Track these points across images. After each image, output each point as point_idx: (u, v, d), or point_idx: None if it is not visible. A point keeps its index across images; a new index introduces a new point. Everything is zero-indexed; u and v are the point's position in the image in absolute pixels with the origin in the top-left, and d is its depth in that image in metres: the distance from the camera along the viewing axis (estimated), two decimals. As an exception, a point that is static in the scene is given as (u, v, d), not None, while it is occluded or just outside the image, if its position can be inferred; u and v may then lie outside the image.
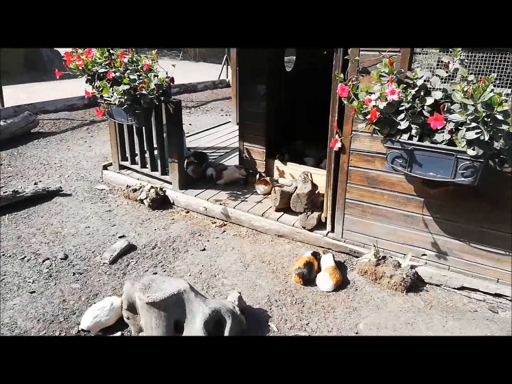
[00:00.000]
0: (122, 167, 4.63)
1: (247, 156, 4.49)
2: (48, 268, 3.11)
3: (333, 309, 2.76)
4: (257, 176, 4.26)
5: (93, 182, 4.70)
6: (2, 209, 3.86)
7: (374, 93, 2.46)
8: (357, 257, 3.25)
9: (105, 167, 4.74)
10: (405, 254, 3.01)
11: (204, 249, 3.44)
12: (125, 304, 2.35)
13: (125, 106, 3.53)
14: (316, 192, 3.62)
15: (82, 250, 3.36)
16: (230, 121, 6.75)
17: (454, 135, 2.35)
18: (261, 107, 4.15)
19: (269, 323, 2.60)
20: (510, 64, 2.32)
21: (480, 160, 2.22)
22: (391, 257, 3.04)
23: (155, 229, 3.73)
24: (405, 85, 2.40)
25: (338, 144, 2.60)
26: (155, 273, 3.08)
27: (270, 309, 2.73)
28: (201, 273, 3.11)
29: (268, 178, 4.25)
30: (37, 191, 4.14)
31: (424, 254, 3.01)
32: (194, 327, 2.23)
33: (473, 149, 2.18)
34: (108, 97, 3.53)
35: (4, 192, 3.98)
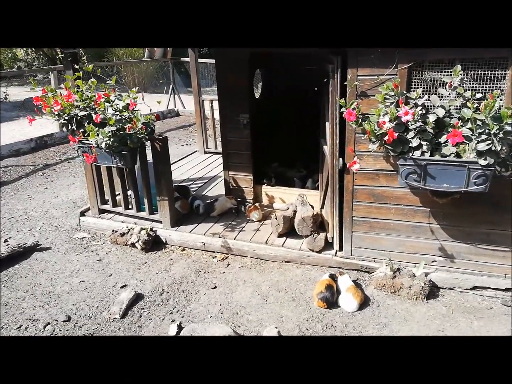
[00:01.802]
0: (101, 211, 4.36)
1: (234, 185, 4.45)
2: (52, 334, 2.82)
3: (365, 328, 2.78)
4: (248, 204, 4.23)
5: (70, 231, 4.36)
6: (-23, 276, 3.46)
7: (380, 115, 2.58)
8: (369, 272, 3.32)
9: (82, 213, 4.43)
10: (416, 264, 3.14)
11: (215, 287, 3.32)
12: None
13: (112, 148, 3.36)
14: (316, 213, 3.66)
15: (85, 308, 3.09)
16: (196, 151, 6.66)
17: (457, 147, 2.53)
18: (244, 135, 4.16)
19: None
20: (501, 77, 2.56)
21: (491, 168, 2.40)
22: (405, 268, 3.15)
23: (157, 273, 3.54)
24: (411, 106, 2.54)
25: (357, 166, 2.67)
26: (173, 321, 2.91)
27: (306, 339, 2.69)
28: (222, 313, 2.99)
29: (258, 204, 4.25)
30: (13, 249, 3.76)
31: (434, 261, 3.15)
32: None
33: (485, 159, 2.36)
34: (93, 141, 3.34)
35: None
